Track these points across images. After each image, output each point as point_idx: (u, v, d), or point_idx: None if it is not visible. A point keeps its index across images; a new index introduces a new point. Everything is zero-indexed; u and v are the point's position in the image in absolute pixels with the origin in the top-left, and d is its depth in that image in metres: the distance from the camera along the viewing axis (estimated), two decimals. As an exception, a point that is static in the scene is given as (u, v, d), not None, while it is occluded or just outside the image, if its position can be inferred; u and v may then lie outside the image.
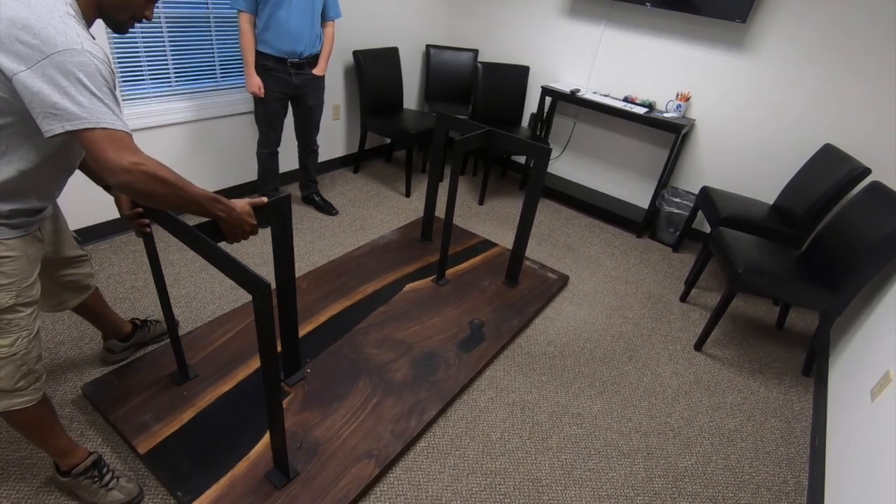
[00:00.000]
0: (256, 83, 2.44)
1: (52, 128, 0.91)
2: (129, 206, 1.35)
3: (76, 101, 0.90)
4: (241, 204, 1.22)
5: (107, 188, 1.38)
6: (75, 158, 1.17)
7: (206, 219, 1.18)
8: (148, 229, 1.40)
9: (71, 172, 1.18)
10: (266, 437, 1.57)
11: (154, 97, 2.46)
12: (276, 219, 1.40)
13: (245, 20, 2.35)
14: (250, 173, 3.00)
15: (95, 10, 1.04)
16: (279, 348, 1.78)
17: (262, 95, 2.47)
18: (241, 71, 2.78)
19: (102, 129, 0.92)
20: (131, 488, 1.39)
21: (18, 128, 0.98)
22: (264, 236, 2.65)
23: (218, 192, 1.18)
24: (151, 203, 1.04)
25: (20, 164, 1.02)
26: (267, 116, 2.58)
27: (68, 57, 0.89)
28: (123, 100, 2.34)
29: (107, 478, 1.37)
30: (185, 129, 2.59)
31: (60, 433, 1.32)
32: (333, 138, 3.48)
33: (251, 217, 1.24)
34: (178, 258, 2.41)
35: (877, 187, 2.17)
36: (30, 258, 1.14)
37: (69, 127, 0.90)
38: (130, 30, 1.14)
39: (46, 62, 0.88)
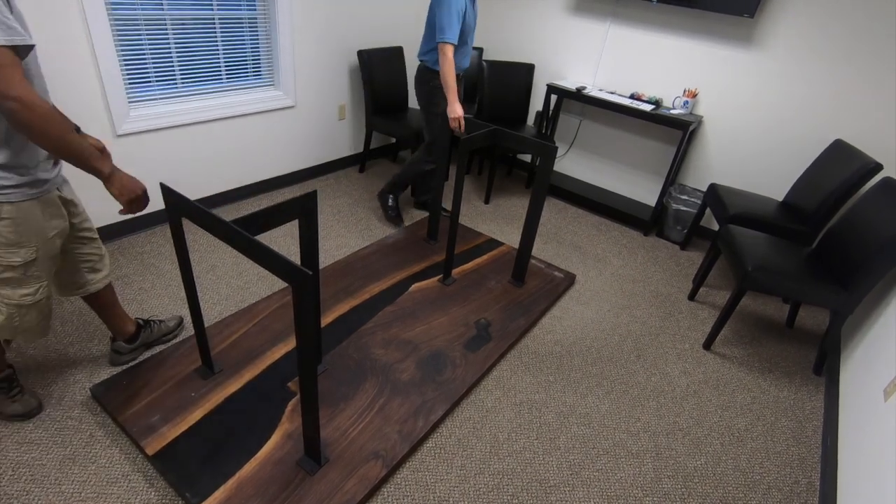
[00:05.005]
0: (461, 111, 2.50)
1: None
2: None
3: None
4: (129, 175, 1.31)
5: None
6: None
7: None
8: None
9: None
10: (273, 438, 1.57)
11: (161, 99, 2.47)
12: (303, 214, 1.42)
13: (452, 50, 2.41)
14: (260, 173, 3.01)
15: None
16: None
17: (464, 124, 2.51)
18: (245, 72, 2.79)
19: None
20: (32, 402, 1.56)
21: None
22: (281, 231, 2.66)
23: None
24: (31, 136, 1.06)
25: None
26: (448, 129, 2.67)
27: None
28: (129, 102, 2.34)
29: (14, 391, 1.53)
30: (189, 131, 2.60)
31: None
32: (339, 138, 3.48)
33: (136, 182, 1.31)
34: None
35: (889, 183, 2.14)
36: (45, 215, 1.22)
37: None
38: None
39: None
